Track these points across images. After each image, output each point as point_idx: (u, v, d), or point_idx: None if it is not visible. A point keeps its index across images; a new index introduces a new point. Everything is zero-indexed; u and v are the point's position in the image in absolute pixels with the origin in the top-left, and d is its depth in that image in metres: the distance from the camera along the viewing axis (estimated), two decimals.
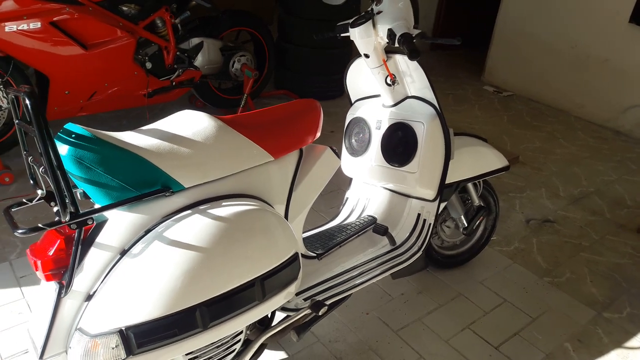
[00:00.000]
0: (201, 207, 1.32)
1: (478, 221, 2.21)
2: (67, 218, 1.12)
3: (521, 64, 4.87)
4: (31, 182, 1.32)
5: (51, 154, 1.07)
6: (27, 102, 1.06)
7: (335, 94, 4.29)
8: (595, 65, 4.32)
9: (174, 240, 1.24)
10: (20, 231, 1.13)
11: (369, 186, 2.15)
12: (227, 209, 1.33)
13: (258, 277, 1.34)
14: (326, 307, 1.56)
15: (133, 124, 3.42)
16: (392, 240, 1.95)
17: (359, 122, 2.05)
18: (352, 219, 2.08)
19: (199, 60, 3.40)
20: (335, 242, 1.86)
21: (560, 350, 2.01)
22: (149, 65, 3.09)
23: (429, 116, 1.82)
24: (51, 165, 1.08)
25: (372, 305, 2.15)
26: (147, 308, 1.17)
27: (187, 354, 1.35)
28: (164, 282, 1.19)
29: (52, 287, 1.23)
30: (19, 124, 1.25)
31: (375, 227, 1.95)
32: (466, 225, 2.19)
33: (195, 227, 1.25)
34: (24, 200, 1.31)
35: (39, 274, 1.21)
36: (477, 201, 2.22)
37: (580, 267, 2.53)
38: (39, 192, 1.29)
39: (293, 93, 4.23)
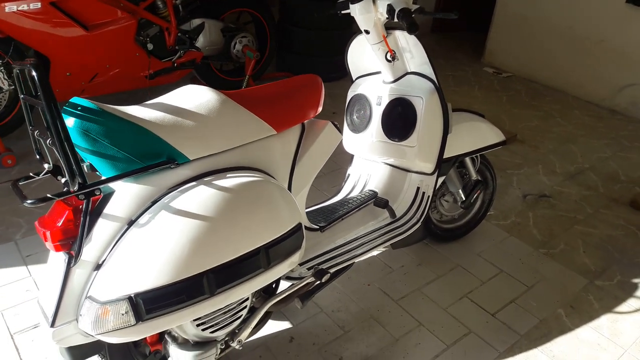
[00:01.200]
0: (206, 179, 1.35)
1: (475, 195, 2.28)
2: (76, 188, 1.15)
3: (521, 46, 4.90)
4: (37, 156, 1.35)
5: (59, 126, 1.09)
6: (34, 73, 1.08)
7: (338, 75, 4.31)
8: (592, 45, 4.36)
9: (181, 210, 1.27)
10: (29, 201, 1.15)
11: (370, 162, 2.21)
12: (231, 180, 1.36)
13: (263, 245, 1.38)
14: (329, 275, 1.62)
15: None
16: (392, 212, 2.02)
17: (360, 98, 2.10)
18: (354, 194, 2.15)
19: (200, 42, 3.43)
20: (338, 215, 1.92)
21: (553, 316, 2.10)
22: (150, 46, 3.13)
23: (427, 91, 1.88)
24: (59, 137, 1.10)
25: (373, 277, 2.23)
26: (156, 275, 1.20)
27: (194, 320, 1.40)
28: (171, 250, 1.22)
29: (61, 257, 1.26)
30: (25, 98, 1.26)
31: (376, 200, 2.02)
32: (464, 199, 2.26)
33: (201, 198, 1.29)
34: (31, 174, 1.34)
35: (48, 244, 1.23)
36: (474, 175, 2.28)
37: (574, 239, 2.60)
38: (46, 165, 1.31)
39: (295, 75, 4.26)
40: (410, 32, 1.65)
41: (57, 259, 1.30)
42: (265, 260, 1.40)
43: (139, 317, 1.21)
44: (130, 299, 1.20)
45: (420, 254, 2.39)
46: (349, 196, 2.15)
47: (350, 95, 2.15)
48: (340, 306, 2.06)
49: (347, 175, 2.27)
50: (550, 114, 4.17)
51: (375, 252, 1.88)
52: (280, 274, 1.49)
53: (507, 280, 2.28)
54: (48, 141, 1.18)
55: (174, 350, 1.45)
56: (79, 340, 1.32)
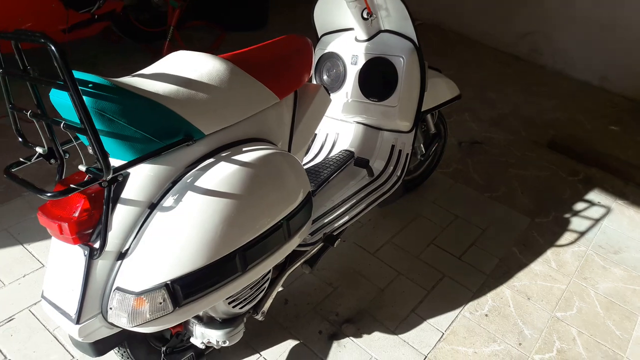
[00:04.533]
0: (223, 154, 1.30)
1: (434, 147, 2.40)
2: (109, 177, 1.06)
3: None
4: (19, 139, 1.20)
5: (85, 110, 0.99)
6: (57, 54, 0.96)
7: (255, 25, 4.16)
8: None
9: (207, 189, 1.22)
10: (49, 194, 1.04)
11: (336, 121, 2.22)
12: (249, 155, 1.32)
13: (284, 217, 1.38)
14: (339, 240, 1.66)
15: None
16: (370, 172, 2.07)
17: (330, 57, 2.08)
18: (324, 154, 2.16)
19: None
20: (323, 178, 1.94)
21: (509, 254, 2.34)
22: None
23: (407, 50, 1.91)
24: (89, 121, 1.00)
25: (345, 233, 2.30)
26: (191, 259, 1.16)
27: (226, 299, 1.39)
28: (204, 231, 1.18)
29: (74, 249, 1.17)
30: (3, 72, 1.09)
31: (357, 160, 2.05)
32: (424, 151, 2.37)
33: (224, 175, 1.24)
34: (22, 159, 1.20)
35: (64, 237, 1.13)
36: (432, 129, 2.40)
37: (511, 181, 2.87)
38: (39, 149, 1.18)
39: (214, 23, 4.04)
40: None
41: (66, 250, 1.20)
42: (287, 232, 1.41)
43: (177, 303, 1.18)
44: (167, 286, 1.15)
45: (381, 206, 2.50)
46: (319, 156, 2.17)
47: (318, 53, 2.12)
48: (323, 264, 2.12)
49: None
50: (464, 62, 4.42)
51: (365, 212, 1.93)
52: (296, 244, 1.50)
53: (463, 225, 2.48)
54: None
55: (201, 330, 1.42)
56: (104, 334, 1.24)
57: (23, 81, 1.08)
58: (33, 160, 1.19)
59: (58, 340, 1.71)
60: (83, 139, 1.19)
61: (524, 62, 4.59)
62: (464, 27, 4.94)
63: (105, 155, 1.03)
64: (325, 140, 2.24)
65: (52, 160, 1.19)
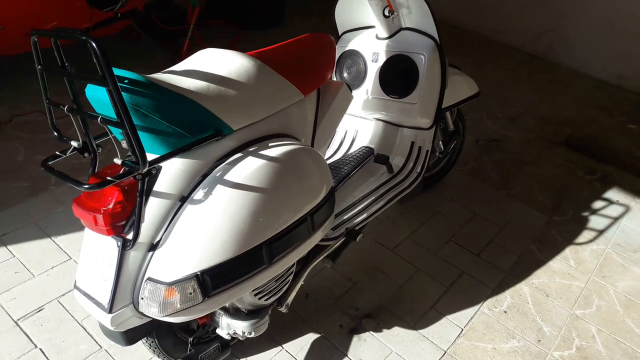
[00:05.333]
0: (251, 149, 1.33)
1: (452, 144, 2.42)
2: (145, 169, 1.10)
3: None
4: (55, 133, 1.24)
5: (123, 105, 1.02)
6: (98, 51, 0.99)
7: (272, 23, 4.18)
8: None
9: (236, 183, 1.25)
10: (86, 186, 1.07)
11: (355, 118, 2.24)
12: (276, 150, 1.35)
13: (309, 212, 1.41)
14: (362, 235, 1.68)
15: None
16: (390, 168, 2.09)
17: (351, 54, 2.10)
18: (343, 151, 2.18)
19: None
20: (343, 174, 1.96)
21: (527, 251, 2.35)
22: None
23: (429, 48, 1.92)
24: (127, 115, 1.04)
25: (365, 229, 2.31)
26: (221, 250, 1.19)
27: (253, 290, 1.42)
28: (234, 224, 1.21)
29: (108, 240, 1.20)
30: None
31: (377, 157, 2.07)
32: (442, 149, 2.39)
33: (252, 169, 1.27)
34: (57, 153, 1.24)
35: (99, 228, 1.17)
36: (451, 126, 2.41)
37: (527, 179, 2.88)
38: (74, 143, 1.22)
39: (230, 22, 4.08)
40: None
41: (99, 241, 1.23)
42: (311, 226, 1.43)
43: (206, 294, 1.21)
44: (197, 276, 1.18)
45: (400, 203, 2.51)
46: (339, 153, 2.19)
47: (339, 51, 2.14)
48: (343, 260, 2.14)
49: None
50: (480, 60, 4.42)
51: (386, 208, 1.95)
52: (319, 238, 1.52)
53: (481, 222, 2.49)
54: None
55: (227, 322, 1.45)
56: (134, 323, 1.28)
57: (60, 77, 1.12)
58: (68, 153, 1.23)
59: (86, 331, 1.75)
60: (116, 132, 1.23)
61: (539, 61, 4.57)
62: (479, 26, 4.93)
63: (142, 149, 1.06)
64: (345, 136, 2.26)
65: (86, 154, 1.23)
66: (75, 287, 1.28)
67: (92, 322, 1.77)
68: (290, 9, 4.70)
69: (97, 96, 1.15)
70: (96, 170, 1.25)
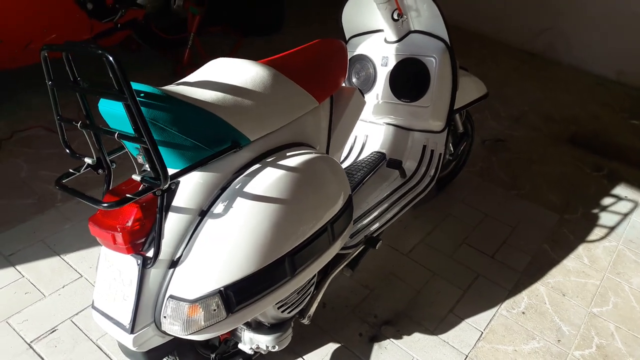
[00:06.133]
0: (268, 160, 1.31)
1: (462, 146, 2.40)
2: (166, 186, 1.07)
3: None
4: (67, 150, 1.20)
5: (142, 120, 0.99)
6: (114, 64, 0.96)
7: (271, 29, 4.16)
8: None
9: (255, 195, 1.22)
10: (105, 205, 1.04)
11: (365, 123, 2.22)
12: (294, 159, 1.32)
13: (329, 221, 1.38)
14: (381, 241, 1.66)
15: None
16: (403, 173, 2.07)
17: (360, 59, 2.08)
18: (353, 157, 2.16)
19: None
20: (357, 180, 1.94)
21: (541, 251, 2.33)
22: (89, 5, 2.79)
23: (439, 50, 1.91)
24: (147, 130, 1.00)
25: (381, 235, 2.29)
26: (244, 265, 1.16)
27: (276, 303, 1.39)
28: (255, 237, 1.18)
29: (127, 259, 1.17)
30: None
31: (389, 161, 2.05)
32: (452, 151, 2.37)
33: (271, 181, 1.24)
34: (71, 170, 1.20)
35: (118, 247, 1.13)
36: (461, 128, 2.39)
37: (536, 178, 2.86)
38: (88, 160, 1.19)
39: (230, 28, 4.05)
40: None
41: (117, 260, 1.20)
42: (331, 236, 1.41)
43: (230, 310, 1.18)
44: (220, 292, 1.15)
45: (413, 207, 2.49)
46: (351, 160, 2.17)
47: (347, 55, 2.11)
48: (358, 267, 2.11)
49: None
50: (482, 59, 4.41)
51: (402, 212, 1.93)
52: (340, 247, 1.50)
53: (493, 223, 2.48)
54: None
55: (250, 336, 1.43)
56: (156, 342, 1.25)
57: (72, 92, 1.08)
58: (82, 170, 1.20)
59: (102, 350, 1.72)
60: (131, 147, 1.20)
61: (539, 59, 4.57)
62: (479, 25, 4.93)
63: (163, 165, 1.03)
64: (355, 142, 2.24)
65: (100, 170, 1.20)
66: (93, 307, 1.25)
67: (108, 341, 1.74)
68: (290, 14, 4.68)
69: (112, 111, 1.12)
70: (110, 187, 1.23)
